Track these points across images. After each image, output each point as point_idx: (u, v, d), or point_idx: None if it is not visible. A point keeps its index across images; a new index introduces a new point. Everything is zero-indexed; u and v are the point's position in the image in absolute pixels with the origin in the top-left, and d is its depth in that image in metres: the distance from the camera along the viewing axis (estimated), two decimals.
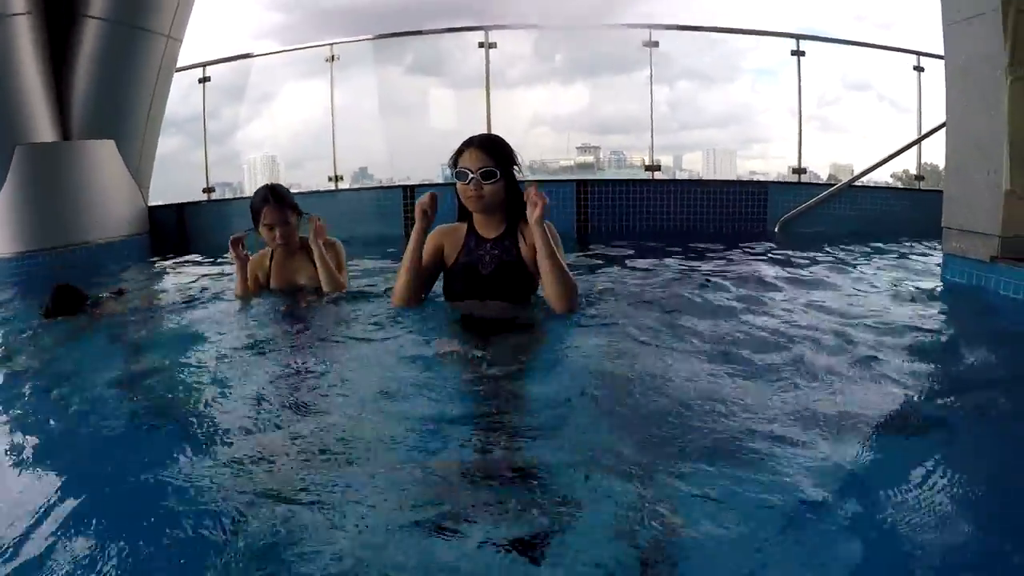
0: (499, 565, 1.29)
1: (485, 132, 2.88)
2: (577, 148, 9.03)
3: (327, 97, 7.92)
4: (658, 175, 8.51)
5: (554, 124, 9.85)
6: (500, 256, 2.88)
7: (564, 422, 1.95)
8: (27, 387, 2.57)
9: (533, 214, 2.70)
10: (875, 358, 2.44)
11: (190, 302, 3.89)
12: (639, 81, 8.42)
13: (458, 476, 1.65)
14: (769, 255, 5.17)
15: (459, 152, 2.85)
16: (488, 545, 1.33)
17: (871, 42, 7.63)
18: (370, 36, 8.20)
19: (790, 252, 5.25)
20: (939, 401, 2.18)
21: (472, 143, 2.85)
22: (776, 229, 6.56)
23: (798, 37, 7.27)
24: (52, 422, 2.19)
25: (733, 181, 7.75)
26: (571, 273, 2.80)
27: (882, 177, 7.32)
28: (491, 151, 2.82)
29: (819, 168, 7.87)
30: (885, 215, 6.55)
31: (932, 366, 2.47)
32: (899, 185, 7.38)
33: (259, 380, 2.39)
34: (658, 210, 6.94)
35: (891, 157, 6.67)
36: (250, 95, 9.04)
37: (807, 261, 4.89)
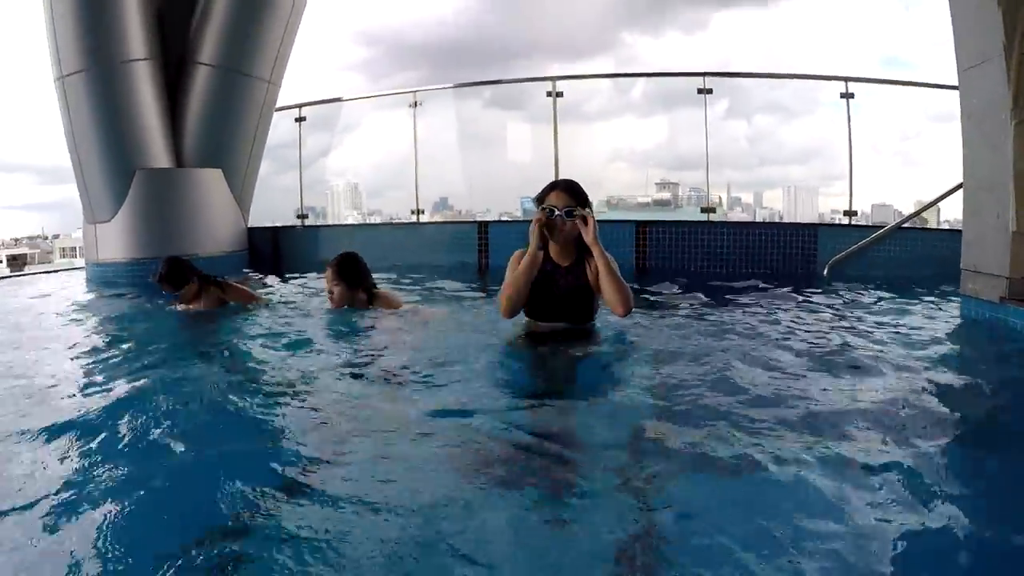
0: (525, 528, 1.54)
1: (567, 178, 3.39)
2: (656, 184, 8.90)
3: (409, 132, 8.40)
4: (737, 211, 8.63)
5: (631, 159, 9.62)
6: (573, 281, 3.32)
7: (607, 414, 2.33)
8: (128, 364, 3.16)
9: (588, 234, 3.19)
10: (876, 386, 2.60)
11: (283, 306, 4.64)
12: (718, 115, 8.37)
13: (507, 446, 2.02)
14: (810, 295, 5.16)
15: (546, 192, 3.33)
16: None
17: (917, 81, 7.56)
18: (449, 85, 8.83)
19: (831, 292, 5.28)
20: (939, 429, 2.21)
21: (558, 186, 3.33)
22: (825, 272, 6.44)
23: (846, 79, 7.21)
24: (148, 396, 2.58)
25: (784, 223, 7.82)
26: (626, 285, 3.22)
27: (955, 214, 6.80)
28: (572, 193, 3.29)
29: (903, 205, 7.58)
30: (935, 257, 6.22)
31: (928, 397, 2.51)
32: (947, 227, 6.95)
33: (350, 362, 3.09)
34: (713, 251, 6.99)
35: (937, 200, 6.52)
36: (336, 125, 9.55)
37: (841, 301, 4.91)
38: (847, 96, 7.15)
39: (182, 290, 4.29)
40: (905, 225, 6.56)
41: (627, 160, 9.81)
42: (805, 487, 1.67)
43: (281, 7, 7.46)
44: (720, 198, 8.93)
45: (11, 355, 3.58)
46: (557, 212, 3.22)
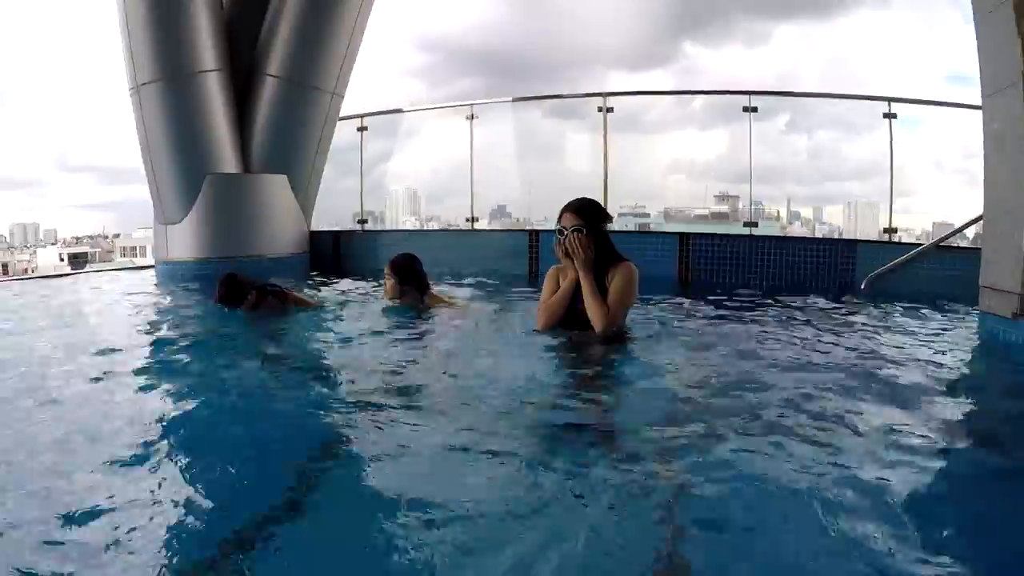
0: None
1: (582, 197, 3.61)
2: (715, 196, 8.87)
3: (467, 143, 8.56)
4: (796, 227, 8.53)
5: (690, 172, 9.58)
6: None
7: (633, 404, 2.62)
8: (191, 358, 3.50)
9: (577, 256, 3.43)
10: (889, 394, 2.67)
11: (340, 306, 4.97)
12: (778, 128, 8.49)
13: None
14: (845, 308, 5.21)
15: (560, 212, 3.56)
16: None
17: (951, 101, 7.35)
18: (503, 99, 9.02)
19: (865, 307, 5.29)
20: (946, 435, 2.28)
21: (569, 207, 3.54)
22: (863, 286, 6.42)
23: (889, 100, 7.27)
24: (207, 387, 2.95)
25: (823, 239, 7.73)
26: (603, 307, 3.41)
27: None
28: (580, 213, 3.50)
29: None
30: (973, 276, 6.26)
31: (938, 407, 2.59)
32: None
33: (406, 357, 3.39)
34: (754, 263, 7.02)
35: (971, 223, 6.34)
36: (396, 132, 9.76)
37: (873, 315, 4.94)
38: (890, 116, 7.20)
39: (241, 306, 4.48)
40: (944, 244, 6.48)
41: (686, 172, 9.78)
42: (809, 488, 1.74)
43: (345, 22, 7.75)
44: (778, 212, 9.00)
45: (94, 341, 4.02)
46: (566, 232, 3.45)
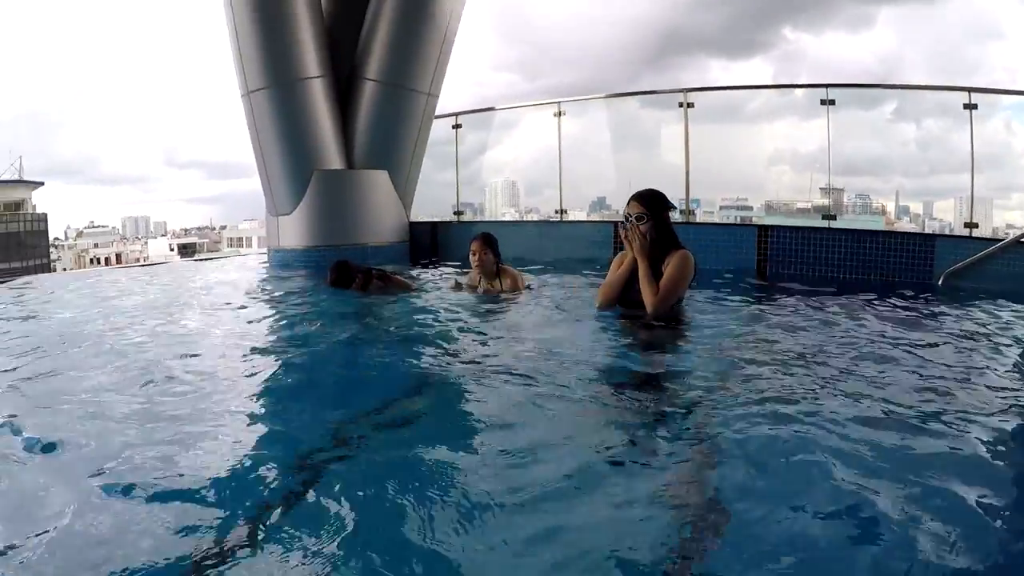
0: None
1: (649, 188, 3.96)
2: (820, 189, 8.30)
3: (566, 132, 8.81)
4: (904, 222, 8.24)
5: (794, 163, 9.07)
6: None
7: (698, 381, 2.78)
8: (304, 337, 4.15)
9: (633, 248, 3.80)
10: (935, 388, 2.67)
11: (431, 291, 5.51)
12: (885, 116, 8.17)
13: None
14: (920, 302, 5.17)
15: (627, 202, 3.93)
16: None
17: None
18: (593, 96, 9.24)
19: (941, 302, 5.23)
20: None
21: (633, 197, 3.88)
22: (940, 282, 6.29)
23: (970, 90, 6.90)
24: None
25: (901, 232, 7.51)
26: (655, 289, 3.72)
27: None
28: (643, 202, 3.84)
29: None
30: None
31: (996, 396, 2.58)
32: None
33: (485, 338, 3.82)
34: (831, 256, 6.94)
35: None
36: (492, 125, 10.10)
37: (947, 310, 4.84)
38: (970, 107, 6.87)
39: (350, 289, 5.23)
40: None
41: (789, 163, 9.27)
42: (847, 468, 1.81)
43: (438, 27, 8.17)
44: (883, 206, 8.77)
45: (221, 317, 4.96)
46: (631, 219, 3.80)
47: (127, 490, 1.82)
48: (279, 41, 7.67)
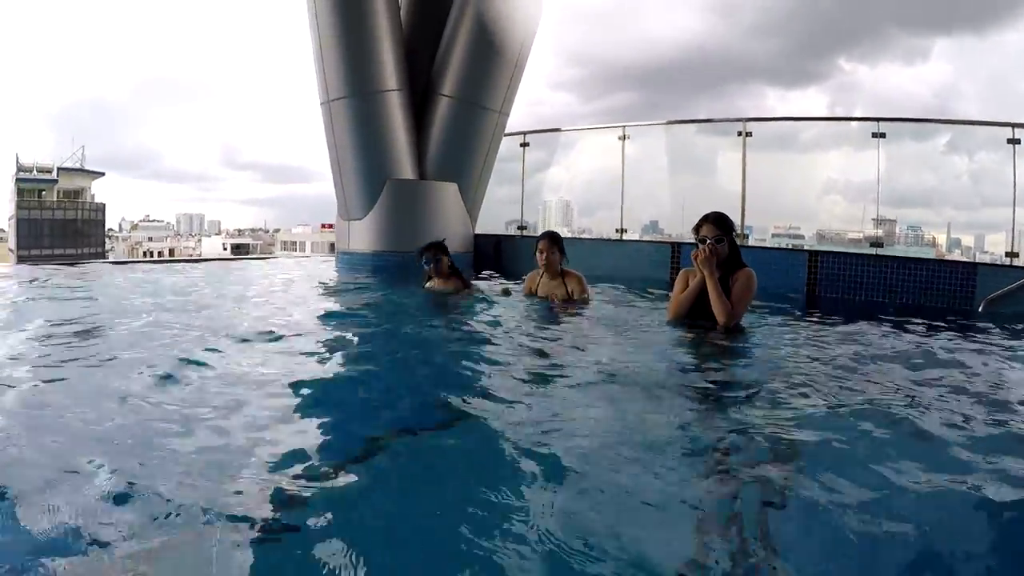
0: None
1: (717, 211, 4.24)
2: (873, 220, 8.43)
3: (618, 156, 9.14)
4: (956, 254, 8.34)
5: (846, 192, 9.21)
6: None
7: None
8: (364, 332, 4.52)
9: (698, 260, 4.07)
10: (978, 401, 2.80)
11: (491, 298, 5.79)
12: (938, 149, 8.31)
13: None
14: (961, 327, 5.25)
15: (699, 224, 4.19)
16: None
17: None
18: (654, 122, 9.64)
19: (981, 328, 5.33)
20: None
21: (708, 219, 4.15)
22: (980, 308, 6.51)
23: (1013, 126, 7.19)
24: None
25: (945, 260, 7.78)
26: (727, 305, 4.01)
27: None
28: (719, 225, 4.13)
29: None
30: None
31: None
32: None
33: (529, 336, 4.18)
34: (877, 281, 7.21)
35: None
36: (552, 145, 10.47)
37: (985, 335, 4.93)
38: (1014, 142, 7.16)
39: (444, 260, 5.75)
40: None
41: (842, 193, 9.42)
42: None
43: (512, 48, 8.58)
44: (934, 238, 8.96)
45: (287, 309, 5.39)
46: (709, 240, 4.07)
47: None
48: (360, 53, 8.13)
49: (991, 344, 4.54)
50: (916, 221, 9.18)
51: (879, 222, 8.30)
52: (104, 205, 60.34)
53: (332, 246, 10.64)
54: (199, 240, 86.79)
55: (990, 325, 5.37)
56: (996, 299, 6.56)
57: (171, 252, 68.40)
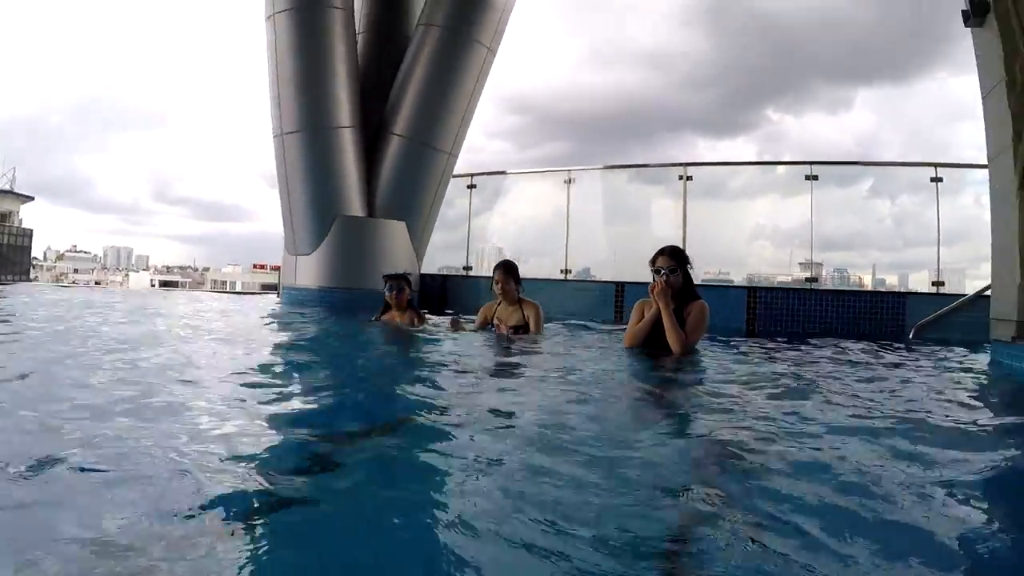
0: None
1: (672, 244, 4.41)
2: (799, 264, 8.83)
3: (553, 202, 9.51)
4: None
5: (774, 238, 9.58)
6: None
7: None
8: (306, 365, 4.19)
9: (655, 291, 4.23)
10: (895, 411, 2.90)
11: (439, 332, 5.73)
12: (861, 194, 8.85)
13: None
14: (890, 351, 5.65)
15: (655, 256, 4.37)
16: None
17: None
18: (596, 166, 10.04)
19: (909, 349, 5.81)
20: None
21: (664, 251, 4.37)
22: (911, 334, 7.00)
23: (936, 165, 7.91)
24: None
25: (876, 291, 8.22)
26: (681, 335, 4.17)
27: None
28: (674, 256, 4.33)
29: None
30: None
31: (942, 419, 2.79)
32: None
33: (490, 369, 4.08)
34: (813, 314, 7.62)
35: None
36: (485, 191, 10.51)
37: (912, 356, 5.38)
38: (936, 180, 7.89)
39: (407, 291, 5.76)
40: (985, 295, 6.62)
41: (770, 239, 9.76)
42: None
43: (464, 90, 8.84)
44: (860, 279, 9.29)
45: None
46: (664, 271, 4.26)
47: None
48: (317, 90, 8.28)
49: (907, 361, 4.99)
50: (842, 263, 9.47)
51: (807, 265, 8.63)
52: (32, 231, 57.67)
53: (264, 287, 10.53)
54: (127, 275, 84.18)
55: (914, 349, 5.86)
56: (925, 325, 7.08)
57: (97, 285, 66.36)
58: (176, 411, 2.48)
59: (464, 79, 8.83)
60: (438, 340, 5.06)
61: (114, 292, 8.35)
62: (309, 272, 8.50)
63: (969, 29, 5.54)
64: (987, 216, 5.64)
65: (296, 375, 3.68)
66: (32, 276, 59.10)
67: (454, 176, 9.46)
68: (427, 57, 8.67)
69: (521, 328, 5.37)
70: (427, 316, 6.19)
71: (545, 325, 5.51)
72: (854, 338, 6.65)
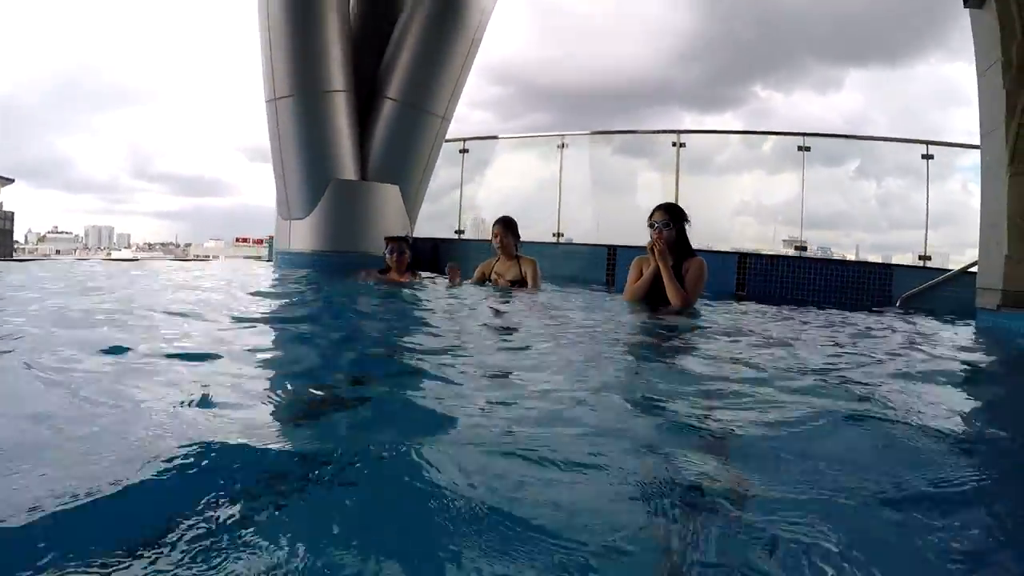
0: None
1: (670, 201, 4.50)
2: (783, 241, 8.85)
3: (538, 172, 9.72)
4: None
5: (758, 214, 9.59)
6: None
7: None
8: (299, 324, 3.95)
9: (655, 252, 4.31)
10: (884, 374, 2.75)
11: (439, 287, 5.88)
12: (848, 174, 8.99)
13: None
14: (876, 316, 5.81)
15: (652, 212, 4.48)
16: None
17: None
18: (588, 132, 10.07)
19: (896, 317, 5.88)
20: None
21: (661, 207, 4.48)
22: (898, 304, 7.22)
23: (927, 143, 8.03)
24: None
25: (864, 262, 8.42)
26: (681, 291, 4.28)
27: None
28: (670, 211, 4.46)
29: None
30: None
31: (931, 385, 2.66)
32: None
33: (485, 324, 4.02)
34: (802, 282, 7.80)
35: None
36: (470, 159, 10.68)
37: (902, 323, 5.36)
38: (927, 157, 8.02)
39: (407, 255, 5.98)
40: (971, 270, 6.81)
41: (755, 215, 9.73)
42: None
43: (459, 54, 8.79)
44: (844, 256, 9.41)
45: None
46: (658, 225, 4.37)
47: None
48: (309, 53, 8.21)
49: (895, 327, 4.95)
50: (826, 242, 9.54)
51: (791, 243, 8.66)
52: (13, 214, 57.03)
53: (245, 260, 10.52)
54: (109, 253, 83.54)
55: (900, 317, 5.99)
56: (911, 297, 7.31)
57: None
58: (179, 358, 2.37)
59: (459, 41, 8.79)
60: (438, 295, 5.14)
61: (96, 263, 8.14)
62: (303, 236, 8.50)
63: (967, 11, 5.73)
64: (973, 202, 5.95)
65: (293, 329, 3.61)
66: (16, 259, 58.31)
67: (446, 141, 9.47)
68: (421, 18, 8.62)
69: (519, 283, 5.47)
70: (420, 273, 6.32)
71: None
72: (840, 305, 6.85)
